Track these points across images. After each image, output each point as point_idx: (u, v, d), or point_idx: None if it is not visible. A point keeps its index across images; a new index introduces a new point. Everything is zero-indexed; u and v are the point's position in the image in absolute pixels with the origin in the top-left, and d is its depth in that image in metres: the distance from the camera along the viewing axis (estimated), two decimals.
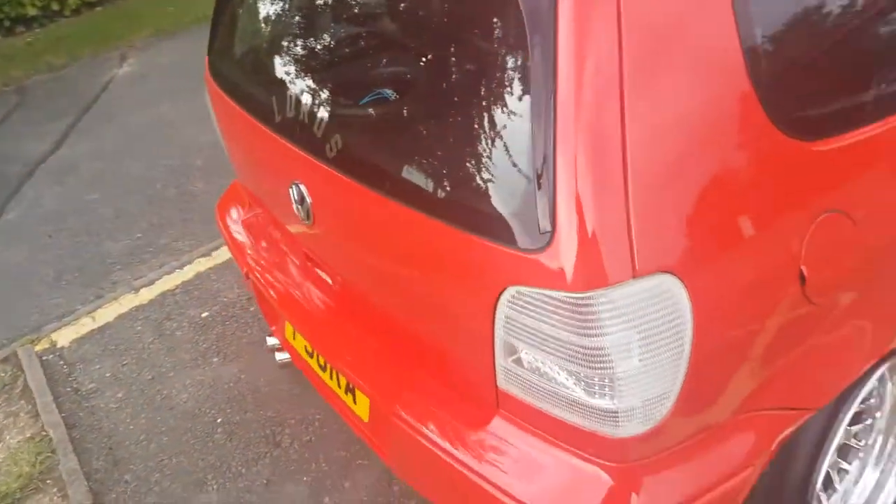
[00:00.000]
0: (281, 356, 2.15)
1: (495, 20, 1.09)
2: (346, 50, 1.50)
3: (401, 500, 1.90)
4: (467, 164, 1.11)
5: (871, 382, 1.34)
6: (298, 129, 1.45)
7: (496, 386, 1.20)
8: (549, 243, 0.99)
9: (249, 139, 1.72)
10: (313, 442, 2.11)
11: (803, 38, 1.14)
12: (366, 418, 1.58)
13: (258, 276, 1.90)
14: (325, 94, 1.45)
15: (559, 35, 0.96)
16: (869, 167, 1.20)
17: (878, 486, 1.59)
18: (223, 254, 2.96)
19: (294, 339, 1.86)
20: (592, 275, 0.97)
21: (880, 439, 1.59)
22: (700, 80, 1.02)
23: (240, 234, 2.05)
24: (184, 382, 2.40)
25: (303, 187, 1.46)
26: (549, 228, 0.98)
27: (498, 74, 1.07)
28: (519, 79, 1.02)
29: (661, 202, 0.99)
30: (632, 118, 0.95)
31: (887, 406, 1.53)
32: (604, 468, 1.12)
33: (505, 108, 1.06)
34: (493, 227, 1.05)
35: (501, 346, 1.13)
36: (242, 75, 1.77)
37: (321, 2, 1.57)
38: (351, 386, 1.61)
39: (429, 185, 1.16)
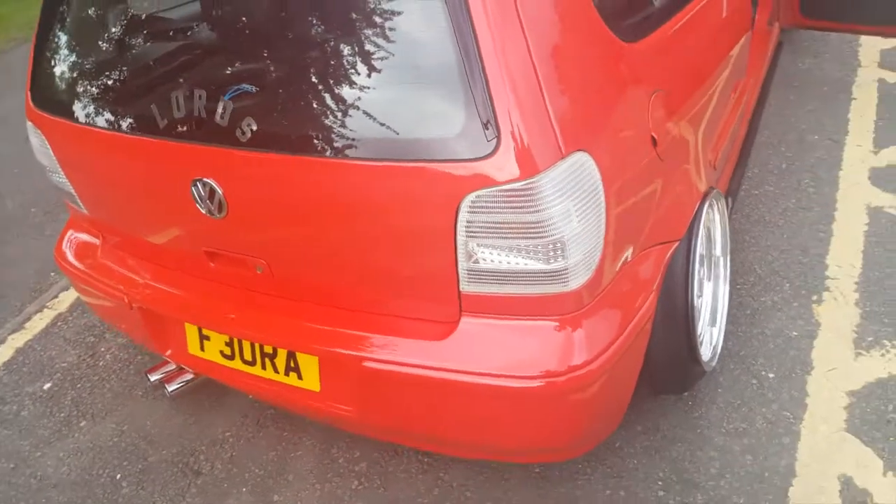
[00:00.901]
0: (172, 386, 2.14)
1: None
2: (233, 31, 1.61)
3: (349, 466, 2.03)
4: (411, 104, 1.35)
5: (703, 214, 1.83)
6: (195, 125, 1.53)
7: (459, 291, 1.44)
8: (496, 148, 1.27)
9: (118, 157, 1.73)
10: (236, 456, 2.13)
11: None
12: (317, 388, 1.71)
13: (146, 298, 1.89)
14: (222, 79, 1.55)
15: None
16: (670, 55, 1.68)
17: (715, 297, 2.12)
18: (38, 322, 2.74)
19: (203, 349, 1.89)
20: (534, 163, 1.28)
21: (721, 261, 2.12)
22: (570, 14, 1.39)
23: (103, 268, 2.00)
24: (57, 456, 2.23)
25: (210, 182, 1.54)
26: (494, 136, 1.26)
27: (418, 21, 1.33)
28: (440, 27, 1.29)
29: (564, 99, 1.33)
30: (534, 46, 1.29)
31: (717, 231, 2.07)
32: (559, 321, 1.43)
33: (432, 52, 1.32)
34: (445, 148, 1.30)
35: (464, 252, 1.38)
36: (97, 95, 1.76)
37: None
38: (293, 364, 1.72)
39: (374, 132, 1.37)
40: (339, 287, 1.63)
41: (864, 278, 2.38)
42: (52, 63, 1.82)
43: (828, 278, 2.41)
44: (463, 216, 1.33)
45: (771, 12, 3.39)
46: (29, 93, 1.87)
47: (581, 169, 1.33)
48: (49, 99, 1.82)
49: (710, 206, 1.92)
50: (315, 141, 1.43)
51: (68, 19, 1.81)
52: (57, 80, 1.83)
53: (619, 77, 1.52)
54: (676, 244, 1.68)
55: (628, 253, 1.53)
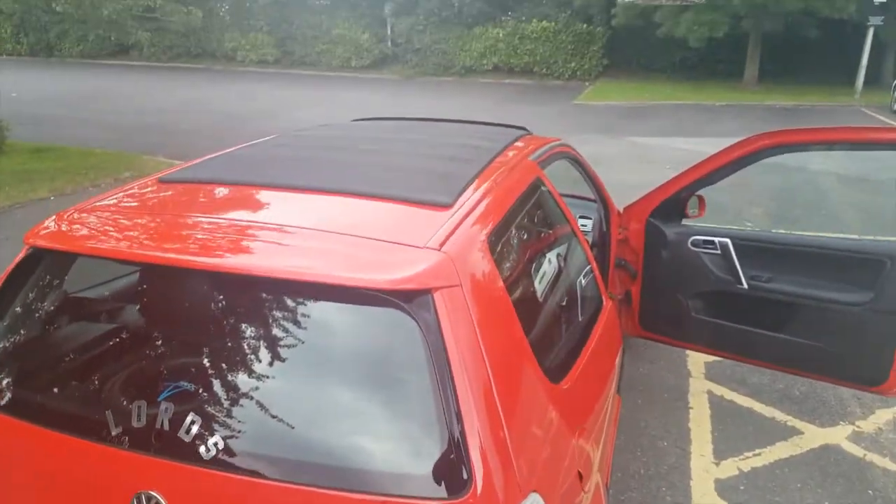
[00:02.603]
0: None
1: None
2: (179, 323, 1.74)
3: None
4: (380, 435, 1.53)
5: None
6: (153, 436, 1.58)
7: None
8: (469, 489, 1.46)
9: (47, 459, 1.69)
10: None
11: None
12: None
13: None
14: (194, 392, 1.64)
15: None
16: (580, 394, 2.04)
17: None
18: None
19: None
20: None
21: None
22: (514, 364, 1.70)
23: None
24: None
25: (157, 495, 1.56)
26: (466, 478, 1.46)
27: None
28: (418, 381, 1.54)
29: (522, 449, 1.58)
30: (503, 406, 1.56)
31: None
32: None
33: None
34: (415, 485, 1.47)
35: None
36: (29, 386, 1.76)
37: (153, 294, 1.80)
38: None
39: (337, 458, 1.51)
40: None
41: None
42: None
43: None
44: None
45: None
46: None
47: None
48: None
49: None
50: (272, 464, 1.54)
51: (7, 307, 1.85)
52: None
53: (539, 410, 1.82)
54: None
55: None
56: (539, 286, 2.33)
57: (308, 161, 2.51)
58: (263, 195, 2.13)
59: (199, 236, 1.81)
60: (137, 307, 1.92)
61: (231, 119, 14.88)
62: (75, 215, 2.03)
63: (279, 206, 2.07)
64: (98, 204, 2.11)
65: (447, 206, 1.98)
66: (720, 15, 19.30)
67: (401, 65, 25.47)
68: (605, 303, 2.85)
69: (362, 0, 25.60)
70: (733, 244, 3.59)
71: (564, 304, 2.54)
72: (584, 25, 23.22)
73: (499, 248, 2.05)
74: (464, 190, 2.12)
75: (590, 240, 4.18)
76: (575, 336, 2.41)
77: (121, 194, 2.21)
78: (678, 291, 3.85)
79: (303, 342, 1.71)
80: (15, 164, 9.38)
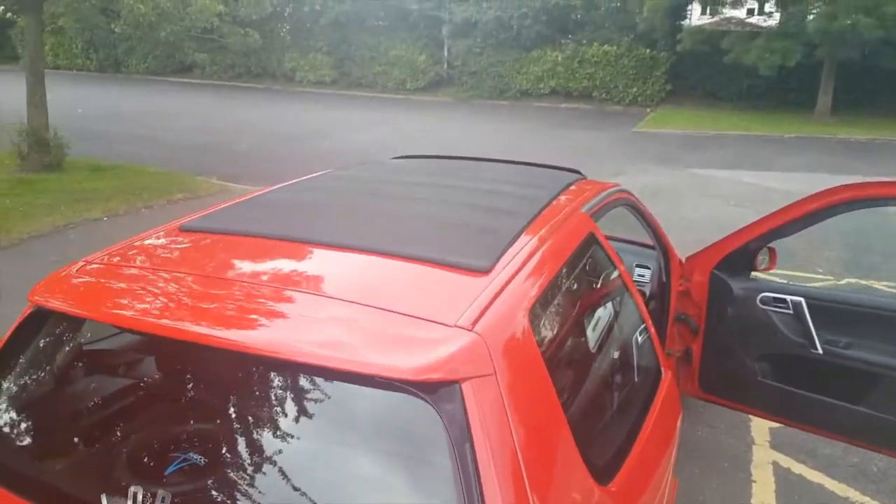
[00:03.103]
0: None
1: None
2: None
3: None
4: None
5: None
6: None
7: None
8: None
9: None
10: None
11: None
12: None
13: None
14: (200, 471, 1.51)
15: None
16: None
17: None
18: None
19: None
20: None
21: None
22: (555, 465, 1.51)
23: None
24: None
25: None
26: None
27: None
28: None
29: None
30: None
31: None
32: None
33: None
34: None
35: None
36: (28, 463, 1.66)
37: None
38: None
39: None
40: None
41: None
42: None
43: None
44: None
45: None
46: None
47: None
48: None
49: None
50: None
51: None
52: None
53: None
54: None
55: None
56: (588, 366, 2.13)
57: (337, 212, 2.38)
58: (285, 252, 2.00)
59: (208, 306, 1.68)
60: (143, 379, 1.80)
61: (287, 140, 15.04)
62: (86, 268, 1.93)
63: (299, 267, 1.94)
64: (110, 258, 2.00)
65: (485, 272, 1.81)
66: (793, 42, 18.72)
67: (455, 87, 25.50)
68: (663, 375, 2.61)
69: (420, 21, 25.77)
70: (807, 303, 3.31)
71: (617, 384, 2.33)
72: (648, 50, 22.85)
73: (542, 322, 1.87)
74: (505, 250, 1.94)
75: (647, 291, 3.95)
76: (628, 422, 2.19)
77: (137, 244, 2.11)
78: (743, 352, 3.59)
79: (313, 425, 1.58)
80: (73, 183, 9.60)
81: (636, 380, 2.44)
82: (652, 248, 3.97)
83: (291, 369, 1.58)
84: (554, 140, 16.00)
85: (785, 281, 6.62)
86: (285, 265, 1.94)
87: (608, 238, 4.44)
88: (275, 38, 22.74)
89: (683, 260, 3.94)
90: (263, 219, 2.26)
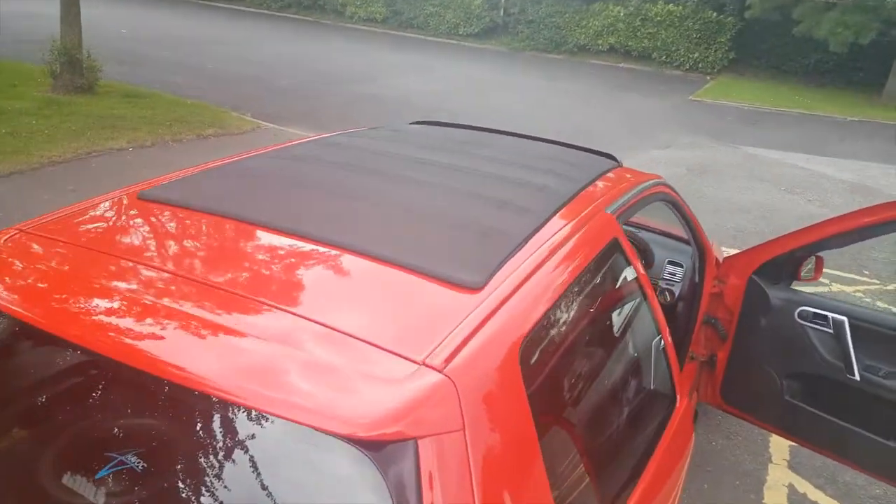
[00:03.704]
0: None
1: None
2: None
3: None
4: None
5: None
6: None
7: None
8: None
9: None
10: None
11: None
12: None
13: None
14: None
15: None
16: None
17: None
18: None
19: None
20: None
21: None
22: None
23: None
24: None
25: None
26: None
27: None
28: None
29: None
30: None
31: None
32: None
33: None
34: None
35: None
36: None
37: None
38: None
39: None
40: None
41: None
42: None
43: None
44: None
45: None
46: None
47: None
48: None
49: None
50: None
51: None
52: None
53: None
54: None
55: None
56: (589, 416, 1.87)
57: (319, 192, 2.09)
58: (244, 238, 1.76)
59: (127, 309, 1.46)
60: (55, 383, 1.60)
61: (329, 80, 14.73)
62: (15, 239, 1.72)
63: (254, 262, 1.68)
64: (46, 230, 1.78)
65: (477, 289, 1.54)
66: (870, 18, 17.61)
67: (510, 36, 24.71)
68: (678, 404, 2.35)
69: None
70: (850, 324, 3.03)
71: (621, 433, 2.06)
72: (714, 14, 21.78)
73: (538, 359, 1.60)
74: (505, 261, 1.66)
75: (677, 291, 3.68)
76: (627, 472, 1.93)
77: (81, 212, 1.90)
78: (772, 366, 3.33)
79: (230, 477, 1.33)
80: (103, 108, 9.48)
81: (643, 424, 2.19)
82: (686, 242, 3.69)
83: (202, 401, 1.34)
84: (606, 104, 15.42)
85: (827, 282, 6.26)
86: (238, 257, 1.69)
87: (641, 228, 4.18)
88: None
89: (720, 260, 3.66)
90: (234, 193, 2.01)
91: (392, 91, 14.10)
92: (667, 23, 22.16)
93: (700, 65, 22.01)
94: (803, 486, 3.67)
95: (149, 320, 1.43)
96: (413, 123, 3.45)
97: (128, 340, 1.38)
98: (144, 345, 1.37)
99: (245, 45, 18.87)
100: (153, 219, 1.89)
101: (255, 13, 27.13)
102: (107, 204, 1.97)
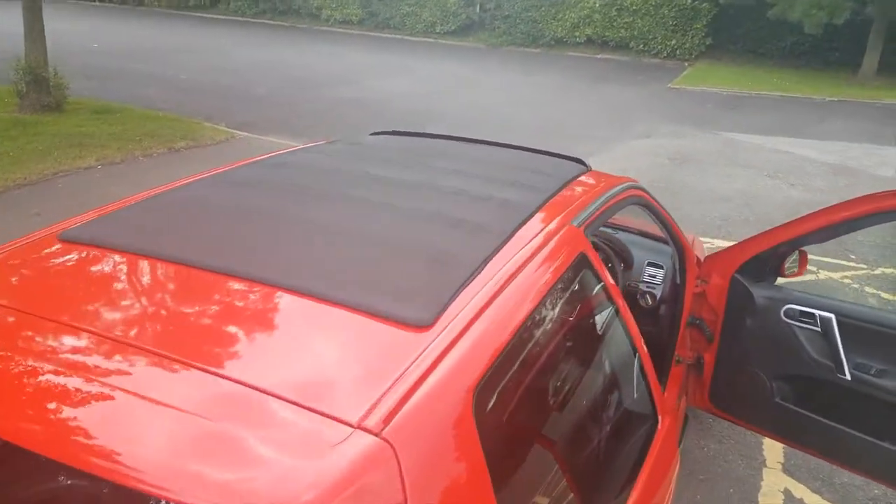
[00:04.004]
0: None
1: None
2: None
3: None
4: None
5: None
6: None
7: None
8: None
9: None
10: None
11: None
12: None
13: None
14: None
15: None
16: None
17: None
18: None
19: None
20: None
21: None
22: None
23: None
24: None
25: None
26: None
27: None
28: None
29: None
30: None
31: None
32: None
33: None
34: None
35: None
36: None
37: None
38: None
39: None
40: None
41: None
42: None
43: None
44: None
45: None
46: None
47: None
48: None
49: None
50: None
51: None
52: None
53: None
54: None
55: None
56: (560, 458, 1.69)
57: (257, 221, 1.90)
58: (167, 280, 1.58)
59: (33, 381, 1.28)
60: None
61: (306, 85, 14.49)
62: None
63: (175, 312, 1.49)
64: None
65: (424, 327, 1.37)
66: None
67: (487, 32, 24.52)
68: (659, 425, 2.19)
69: None
70: (838, 321, 2.88)
71: (598, 469, 1.89)
72: (689, 0, 21.69)
73: (494, 403, 1.42)
74: (458, 293, 1.48)
75: (658, 294, 3.52)
76: None
77: None
78: (761, 368, 3.18)
79: None
80: (71, 126, 9.22)
81: (622, 458, 2.02)
82: (665, 242, 3.54)
83: (91, 482, 1.16)
84: (584, 95, 15.27)
85: (814, 269, 6.11)
86: (152, 304, 1.51)
87: (618, 228, 4.02)
88: None
89: (702, 258, 3.51)
90: (161, 228, 1.82)
91: (372, 93, 13.89)
92: (642, 11, 22.05)
93: (677, 52, 21.90)
94: (800, 491, 3.52)
95: (34, 387, 1.25)
96: (373, 134, 3.26)
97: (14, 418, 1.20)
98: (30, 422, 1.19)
99: (219, 53, 18.59)
100: (68, 263, 1.70)
101: (228, 20, 26.82)
102: (21, 246, 1.78)
